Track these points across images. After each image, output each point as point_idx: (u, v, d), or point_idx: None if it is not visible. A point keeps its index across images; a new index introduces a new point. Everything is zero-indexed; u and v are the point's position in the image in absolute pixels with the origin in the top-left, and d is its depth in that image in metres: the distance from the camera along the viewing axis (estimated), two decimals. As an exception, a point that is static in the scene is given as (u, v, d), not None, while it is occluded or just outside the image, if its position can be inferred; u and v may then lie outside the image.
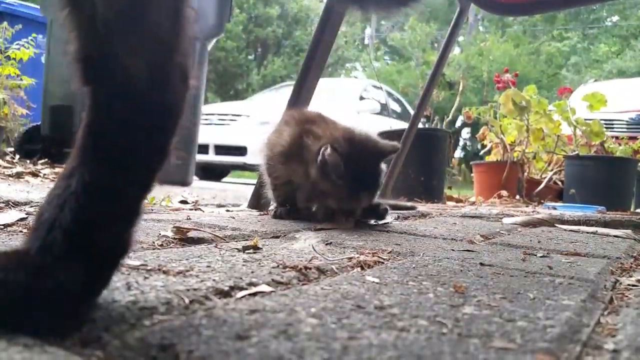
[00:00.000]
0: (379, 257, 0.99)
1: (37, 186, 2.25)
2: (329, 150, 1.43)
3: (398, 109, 9.35)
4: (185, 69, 0.55)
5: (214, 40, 4.50)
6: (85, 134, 0.52)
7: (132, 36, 0.51)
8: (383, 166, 1.57)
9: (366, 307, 0.61)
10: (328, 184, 1.47)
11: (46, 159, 3.82)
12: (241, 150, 6.96)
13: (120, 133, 0.51)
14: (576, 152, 4.04)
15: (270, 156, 1.63)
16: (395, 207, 2.06)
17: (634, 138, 4.71)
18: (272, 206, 1.79)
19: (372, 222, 1.63)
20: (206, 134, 6.64)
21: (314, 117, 1.62)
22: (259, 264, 0.83)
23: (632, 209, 3.77)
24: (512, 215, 2.16)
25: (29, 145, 4.35)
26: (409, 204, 2.33)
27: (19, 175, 2.85)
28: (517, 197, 3.97)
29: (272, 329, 0.51)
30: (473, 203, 3.74)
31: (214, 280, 0.69)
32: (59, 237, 0.50)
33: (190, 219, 1.44)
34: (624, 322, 0.64)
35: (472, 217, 2.13)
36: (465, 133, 15.18)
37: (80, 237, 0.50)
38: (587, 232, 1.76)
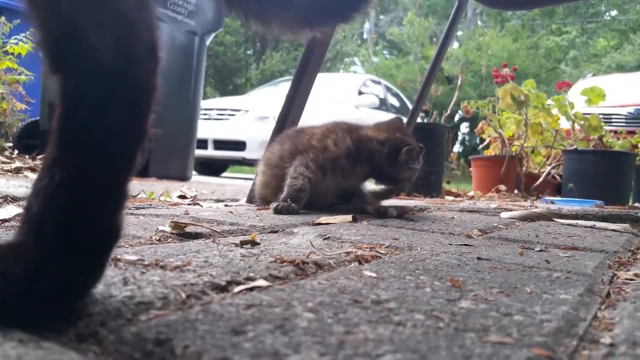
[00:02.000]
0: (376, 251, 0.99)
1: (35, 181, 2.24)
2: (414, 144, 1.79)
3: (397, 103, 9.34)
4: (152, 44, 0.54)
5: (213, 35, 4.50)
6: (61, 121, 0.52)
7: (97, 13, 0.50)
8: None
9: (363, 302, 0.61)
10: (409, 170, 1.82)
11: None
12: (240, 145, 6.96)
13: (94, 116, 0.51)
14: (574, 147, 4.04)
15: (322, 151, 1.76)
16: None
17: (632, 132, 4.71)
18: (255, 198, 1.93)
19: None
20: (205, 129, 6.64)
21: (353, 124, 1.87)
22: (257, 258, 0.83)
23: (630, 203, 3.78)
24: (510, 210, 2.16)
25: (27, 140, 4.34)
26: None
27: (17, 171, 2.85)
28: (516, 191, 3.97)
29: (269, 324, 0.51)
30: (471, 197, 3.74)
31: (211, 275, 0.69)
32: (51, 230, 0.50)
33: (188, 213, 1.44)
34: (621, 316, 0.64)
35: (470, 212, 2.13)
36: (464, 127, 15.21)
37: (71, 228, 0.50)
38: (585, 227, 1.76)
